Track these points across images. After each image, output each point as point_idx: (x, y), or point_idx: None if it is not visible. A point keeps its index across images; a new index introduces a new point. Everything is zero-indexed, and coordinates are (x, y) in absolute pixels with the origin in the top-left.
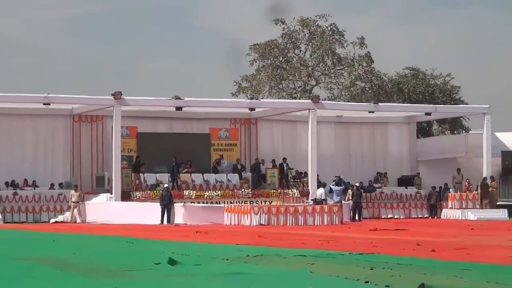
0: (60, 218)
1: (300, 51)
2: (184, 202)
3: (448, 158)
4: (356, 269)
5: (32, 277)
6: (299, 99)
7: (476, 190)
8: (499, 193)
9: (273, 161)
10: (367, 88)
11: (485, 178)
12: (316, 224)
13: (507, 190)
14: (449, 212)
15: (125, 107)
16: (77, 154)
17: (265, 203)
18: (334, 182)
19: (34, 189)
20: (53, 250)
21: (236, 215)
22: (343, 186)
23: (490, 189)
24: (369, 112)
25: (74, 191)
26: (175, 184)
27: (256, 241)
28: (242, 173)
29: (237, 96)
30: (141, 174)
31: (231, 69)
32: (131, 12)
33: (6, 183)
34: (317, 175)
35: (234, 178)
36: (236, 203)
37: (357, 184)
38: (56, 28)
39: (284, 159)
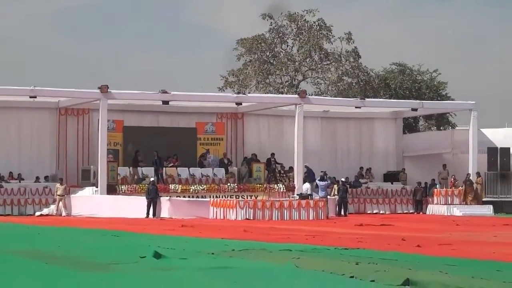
0: (45, 211)
1: (287, 46)
2: (170, 196)
3: (434, 154)
4: (342, 264)
5: (16, 270)
6: (286, 94)
7: (461, 186)
8: (485, 189)
9: (255, 155)
10: (354, 84)
11: (468, 175)
12: (301, 219)
13: (493, 186)
14: (435, 208)
15: (112, 100)
16: (63, 147)
17: (251, 198)
18: (319, 177)
19: (20, 182)
20: (38, 243)
21: (222, 209)
22: (328, 181)
23: (475, 185)
24: (356, 107)
25: (59, 184)
26: (159, 177)
27: (241, 235)
28: (229, 168)
29: (224, 90)
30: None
31: (220, 64)
32: (118, 6)
33: None
34: (319, 171)
35: (220, 172)
36: (222, 197)
37: (343, 179)
38: (42, 22)
39: (272, 154)
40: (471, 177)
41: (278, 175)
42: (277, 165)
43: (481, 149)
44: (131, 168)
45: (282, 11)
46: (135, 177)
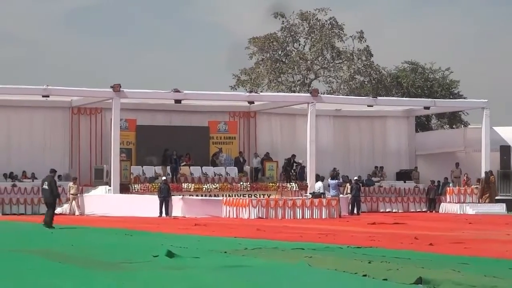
0: (58, 210)
1: (299, 45)
2: (183, 195)
3: (446, 153)
4: (354, 263)
5: (30, 269)
6: (298, 92)
7: (475, 185)
8: (498, 188)
9: (255, 154)
10: (366, 82)
11: (487, 173)
12: (314, 217)
13: (506, 184)
14: (448, 206)
15: (124, 99)
16: (76, 147)
17: (263, 196)
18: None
19: (33, 181)
20: (51, 242)
21: (235, 208)
22: (338, 180)
23: (485, 184)
24: (368, 106)
25: (72, 183)
26: (174, 177)
27: (254, 234)
28: (244, 166)
29: (236, 89)
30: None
31: (231, 63)
32: (130, 5)
33: (5, 175)
34: (335, 169)
35: (233, 171)
36: (235, 196)
37: (355, 178)
38: (55, 21)
39: (293, 156)
40: (483, 176)
41: (293, 176)
42: (296, 165)
43: (494, 148)
44: (161, 167)
45: (285, 9)
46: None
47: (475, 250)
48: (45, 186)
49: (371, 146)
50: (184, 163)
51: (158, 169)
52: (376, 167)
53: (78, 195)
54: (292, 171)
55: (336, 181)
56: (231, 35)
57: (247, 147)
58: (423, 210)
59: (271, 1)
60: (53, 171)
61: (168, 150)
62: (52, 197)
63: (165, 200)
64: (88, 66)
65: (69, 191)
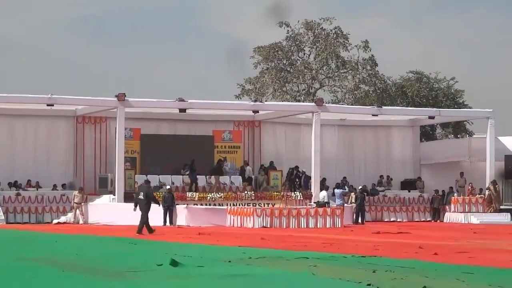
0: (63, 219)
1: (304, 54)
2: (187, 204)
3: (451, 162)
4: (359, 272)
5: (34, 278)
6: (303, 102)
7: (480, 194)
8: (502, 197)
9: (245, 162)
10: (371, 92)
11: (494, 182)
12: (318, 227)
13: (510, 194)
14: (452, 216)
15: (129, 108)
16: (80, 155)
17: (268, 206)
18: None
19: (37, 190)
20: (55, 251)
21: (239, 217)
22: (345, 189)
23: (495, 193)
24: (373, 115)
25: (77, 192)
26: (193, 186)
27: (258, 243)
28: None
29: (240, 98)
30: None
31: (235, 71)
32: (135, 14)
33: (9, 184)
34: (345, 179)
35: (237, 180)
36: (239, 205)
37: (360, 187)
38: (60, 30)
39: (296, 167)
40: (490, 185)
41: (297, 186)
42: (300, 175)
43: (499, 157)
44: (213, 176)
45: (285, 13)
46: (217, 185)
47: (479, 259)
48: (141, 196)
49: (376, 156)
50: (188, 172)
51: (162, 178)
52: (381, 176)
53: (82, 203)
54: (297, 179)
55: (341, 190)
56: (237, 44)
57: (252, 156)
58: (428, 219)
59: (274, 5)
60: (148, 181)
61: (223, 161)
62: (148, 207)
63: (169, 209)
64: (93, 75)
65: (73, 199)
